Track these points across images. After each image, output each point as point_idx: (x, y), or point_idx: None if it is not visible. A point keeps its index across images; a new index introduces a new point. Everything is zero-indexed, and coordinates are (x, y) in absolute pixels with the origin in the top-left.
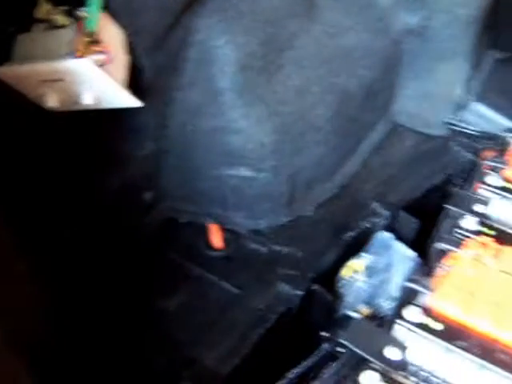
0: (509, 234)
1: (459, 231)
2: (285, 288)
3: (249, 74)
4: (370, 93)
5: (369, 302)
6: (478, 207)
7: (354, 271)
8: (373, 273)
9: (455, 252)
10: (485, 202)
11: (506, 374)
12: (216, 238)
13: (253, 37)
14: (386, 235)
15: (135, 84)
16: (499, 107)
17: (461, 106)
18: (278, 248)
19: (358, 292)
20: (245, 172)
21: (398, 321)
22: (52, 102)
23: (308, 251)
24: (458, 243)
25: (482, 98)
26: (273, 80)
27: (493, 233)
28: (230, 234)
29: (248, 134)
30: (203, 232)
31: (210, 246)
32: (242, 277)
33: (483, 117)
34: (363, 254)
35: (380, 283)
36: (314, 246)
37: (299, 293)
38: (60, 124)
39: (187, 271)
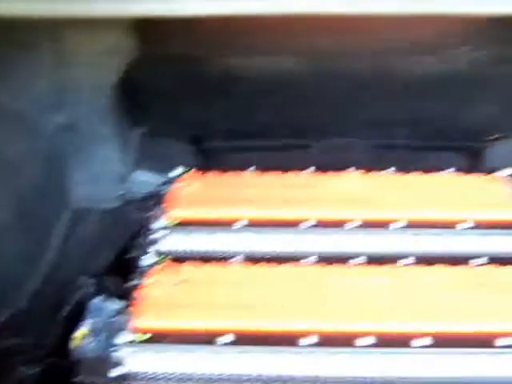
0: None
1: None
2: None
3: None
4: (42, 189)
5: (102, 355)
6: (154, 247)
7: (82, 338)
8: (97, 332)
9: (143, 282)
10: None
11: None
12: None
13: None
14: (96, 299)
15: None
16: (154, 170)
17: (126, 178)
18: (9, 341)
19: (91, 353)
20: None
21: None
22: None
23: (36, 335)
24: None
25: (140, 167)
26: None
27: (167, 258)
28: None
29: None
30: None
31: None
32: None
33: (144, 182)
34: (84, 321)
35: (106, 337)
36: (38, 328)
37: (38, 370)
38: None
39: None
